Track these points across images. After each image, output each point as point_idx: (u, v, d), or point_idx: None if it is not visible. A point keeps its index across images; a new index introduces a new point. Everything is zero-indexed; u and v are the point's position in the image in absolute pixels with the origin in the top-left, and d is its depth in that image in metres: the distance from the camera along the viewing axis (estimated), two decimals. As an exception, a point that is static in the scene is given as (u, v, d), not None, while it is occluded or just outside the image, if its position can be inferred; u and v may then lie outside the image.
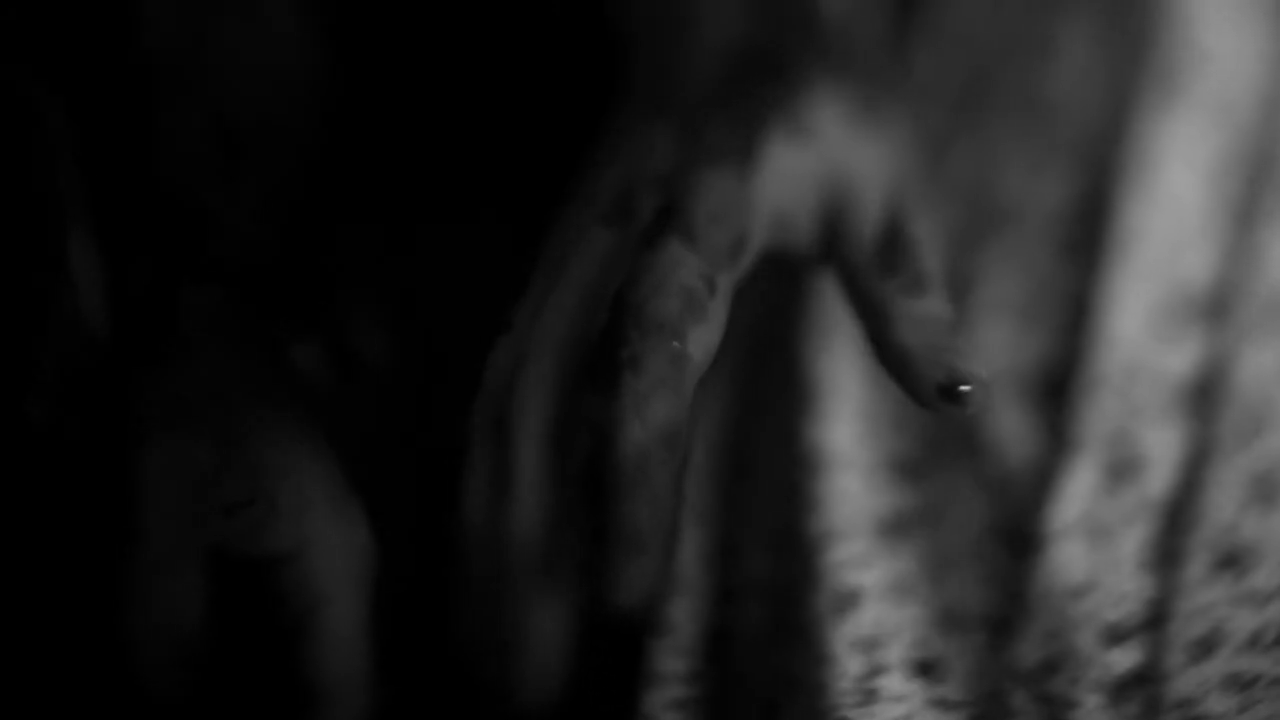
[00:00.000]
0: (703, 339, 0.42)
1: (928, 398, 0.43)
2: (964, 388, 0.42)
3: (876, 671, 0.46)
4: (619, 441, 0.40)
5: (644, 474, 0.40)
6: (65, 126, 0.49)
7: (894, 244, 0.44)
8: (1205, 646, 0.46)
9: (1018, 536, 0.48)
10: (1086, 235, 0.50)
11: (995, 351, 0.49)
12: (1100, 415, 0.48)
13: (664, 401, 0.40)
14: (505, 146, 0.55)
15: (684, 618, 0.48)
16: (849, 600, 0.47)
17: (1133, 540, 0.47)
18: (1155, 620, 0.47)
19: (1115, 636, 0.47)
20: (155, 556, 0.44)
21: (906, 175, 0.45)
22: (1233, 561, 0.47)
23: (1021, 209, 0.50)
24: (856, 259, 0.44)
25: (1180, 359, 0.49)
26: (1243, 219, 0.50)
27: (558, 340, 0.42)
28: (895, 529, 0.49)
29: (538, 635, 0.42)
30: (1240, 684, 0.46)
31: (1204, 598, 0.47)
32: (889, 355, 0.43)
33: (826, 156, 0.44)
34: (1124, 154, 0.49)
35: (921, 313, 0.43)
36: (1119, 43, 0.49)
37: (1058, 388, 0.49)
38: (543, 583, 0.41)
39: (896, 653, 0.47)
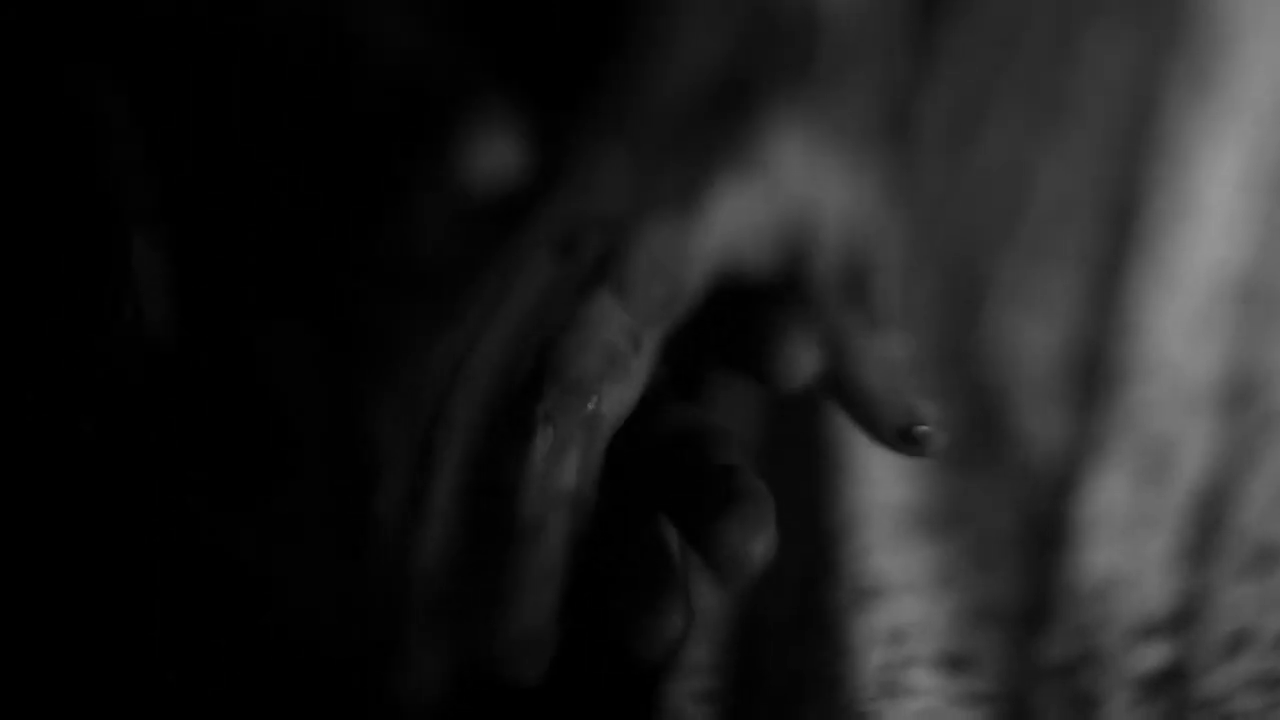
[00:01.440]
0: (619, 397, 0.42)
1: (886, 439, 0.43)
2: (923, 430, 0.42)
3: (900, 665, 0.47)
4: (518, 499, 0.41)
5: (536, 535, 0.40)
6: (130, 127, 0.50)
7: (856, 279, 0.44)
8: (1234, 645, 0.46)
9: (1046, 532, 0.48)
10: (1114, 230, 0.49)
11: (1024, 347, 0.49)
12: (1129, 412, 0.48)
13: (570, 464, 0.41)
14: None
15: (713, 607, 0.49)
16: (873, 593, 0.47)
17: (1162, 537, 0.47)
18: (1184, 618, 0.46)
19: (1144, 633, 0.46)
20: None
21: (877, 206, 0.44)
22: (1262, 560, 0.46)
23: (1049, 203, 0.49)
24: (818, 293, 0.44)
25: (1210, 355, 0.48)
26: (1273, 216, 0.49)
27: (490, 368, 0.42)
28: (922, 523, 0.49)
29: (421, 665, 0.42)
30: (1269, 683, 0.45)
31: (1233, 596, 0.46)
32: (848, 394, 0.43)
33: (784, 193, 0.44)
34: (1153, 149, 0.48)
35: (882, 352, 0.43)
36: (1148, 38, 0.48)
37: (1086, 384, 0.49)
38: (435, 616, 0.42)
39: (922, 647, 0.47)
